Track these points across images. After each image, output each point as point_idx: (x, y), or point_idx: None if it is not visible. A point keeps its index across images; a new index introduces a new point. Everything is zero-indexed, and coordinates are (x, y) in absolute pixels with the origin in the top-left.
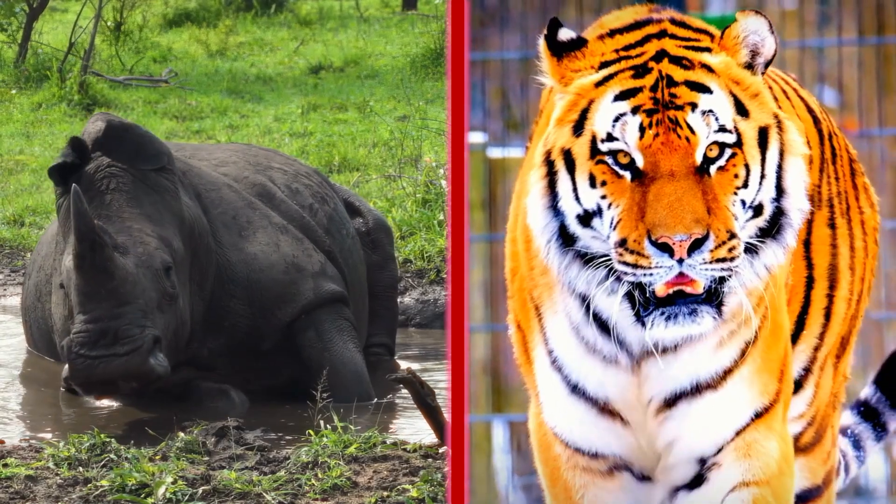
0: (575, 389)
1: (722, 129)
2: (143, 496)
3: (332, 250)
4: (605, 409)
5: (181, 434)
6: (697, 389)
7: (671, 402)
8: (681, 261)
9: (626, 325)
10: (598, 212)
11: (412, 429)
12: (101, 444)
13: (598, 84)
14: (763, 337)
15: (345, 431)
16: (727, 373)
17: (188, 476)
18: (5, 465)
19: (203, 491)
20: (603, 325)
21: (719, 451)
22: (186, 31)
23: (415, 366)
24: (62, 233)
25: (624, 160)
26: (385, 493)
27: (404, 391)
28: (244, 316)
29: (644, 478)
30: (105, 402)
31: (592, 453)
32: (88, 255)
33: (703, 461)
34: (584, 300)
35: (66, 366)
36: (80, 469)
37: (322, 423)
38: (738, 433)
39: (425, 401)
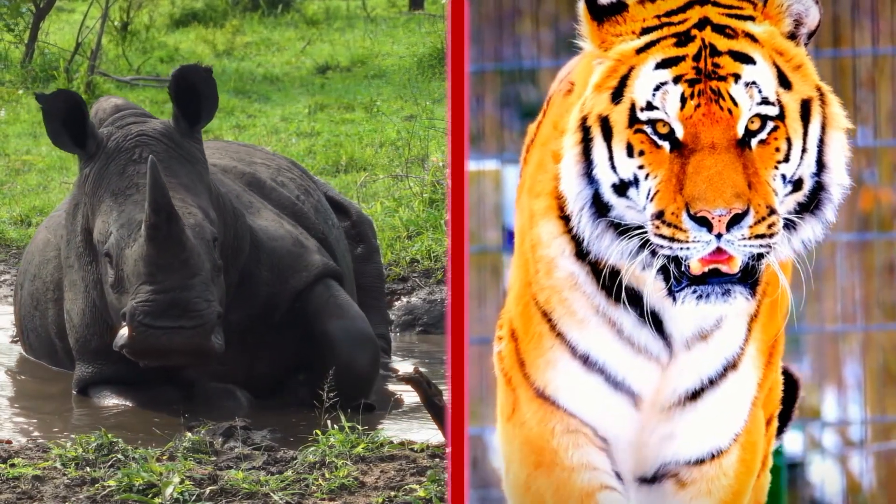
0: (618, 386)
1: (764, 101)
2: (150, 496)
3: (325, 237)
4: (637, 401)
5: (188, 434)
6: (724, 374)
7: (696, 394)
8: (719, 236)
9: (672, 314)
10: (635, 182)
11: (419, 429)
12: (108, 444)
13: (640, 51)
14: (763, 315)
15: (352, 431)
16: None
17: (195, 476)
18: (12, 466)
19: (210, 491)
20: (647, 315)
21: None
22: (193, 31)
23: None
24: (89, 202)
25: (663, 130)
26: (392, 493)
27: (409, 390)
28: (266, 284)
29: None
30: (113, 403)
31: (611, 436)
32: (164, 227)
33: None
34: (631, 297)
35: (123, 331)
36: (88, 469)
37: (329, 423)
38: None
39: (432, 401)
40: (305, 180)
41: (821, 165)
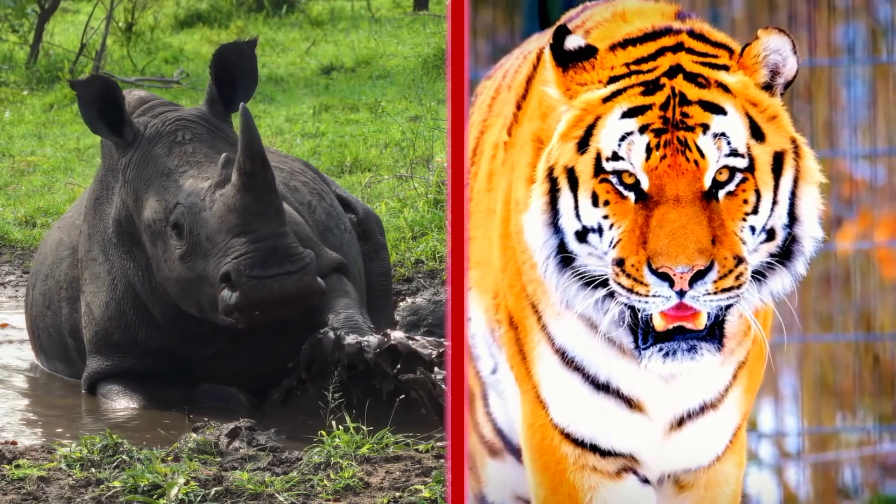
0: (603, 388)
1: (734, 153)
2: (155, 497)
3: (335, 244)
4: (636, 406)
5: (193, 435)
6: (702, 409)
7: (680, 421)
8: (682, 292)
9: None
10: (598, 230)
11: (424, 429)
12: (113, 444)
13: (606, 100)
14: (751, 357)
15: (357, 432)
16: (726, 391)
17: (200, 477)
18: (17, 467)
19: (215, 492)
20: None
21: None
22: (198, 31)
23: None
24: (132, 188)
25: (629, 180)
26: (397, 494)
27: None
28: None
29: (645, 481)
30: (119, 402)
31: (607, 451)
32: (260, 174)
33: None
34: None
35: (225, 293)
36: (93, 470)
37: (334, 423)
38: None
39: (437, 401)
40: (318, 183)
41: (792, 218)
